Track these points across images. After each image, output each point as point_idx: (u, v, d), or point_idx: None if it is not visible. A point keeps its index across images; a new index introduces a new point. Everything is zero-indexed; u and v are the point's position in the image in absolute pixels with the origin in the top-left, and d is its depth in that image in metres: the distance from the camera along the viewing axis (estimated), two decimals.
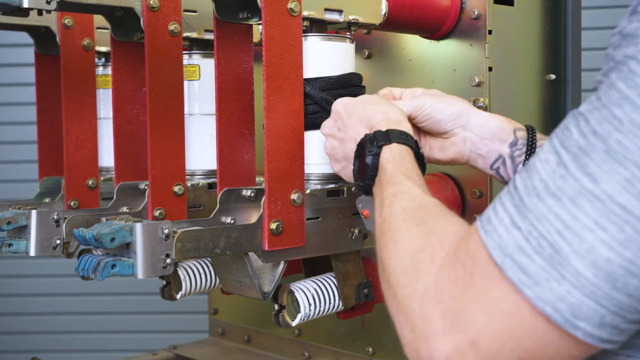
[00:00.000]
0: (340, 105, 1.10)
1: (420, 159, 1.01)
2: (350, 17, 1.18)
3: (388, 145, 0.99)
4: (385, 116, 1.05)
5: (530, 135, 1.14)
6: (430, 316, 0.70)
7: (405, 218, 0.84)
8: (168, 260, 0.97)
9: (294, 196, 1.09)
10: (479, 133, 1.16)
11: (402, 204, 0.87)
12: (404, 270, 0.77)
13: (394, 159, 0.97)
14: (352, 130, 1.06)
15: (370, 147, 0.99)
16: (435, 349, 0.69)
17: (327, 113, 1.14)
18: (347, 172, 1.09)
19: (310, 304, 1.21)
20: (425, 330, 0.71)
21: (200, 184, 1.34)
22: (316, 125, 1.14)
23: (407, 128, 1.04)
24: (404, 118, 1.07)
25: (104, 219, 1.01)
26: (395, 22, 1.30)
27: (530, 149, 1.14)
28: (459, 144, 1.17)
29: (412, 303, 0.73)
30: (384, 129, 1.01)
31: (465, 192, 1.39)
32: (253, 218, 1.09)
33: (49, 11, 1.03)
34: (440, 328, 0.69)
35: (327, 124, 1.12)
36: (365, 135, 1.02)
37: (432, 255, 0.74)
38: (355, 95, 1.17)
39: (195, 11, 1.33)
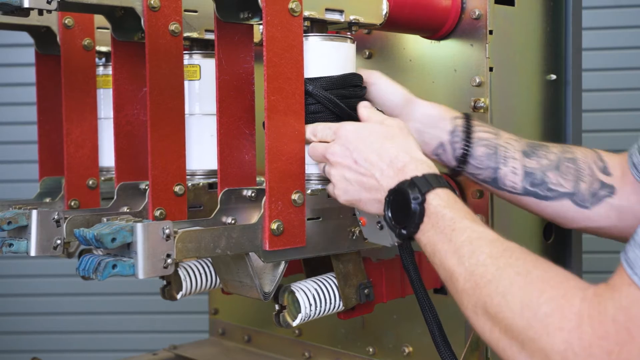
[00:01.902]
0: (352, 133, 1.07)
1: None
2: (351, 17, 1.18)
3: (433, 191, 0.97)
4: (410, 156, 1.03)
5: (467, 124, 1.20)
6: None
7: (500, 267, 0.85)
8: (169, 261, 0.97)
9: (294, 196, 1.09)
10: (423, 122, 1.21)
11: (486, 251, 0.88)
12: (527, 324, 0.79)
13: (449, 204, 0.96)
14: (374, 167, 1.04)
15: (413, 194, 0.97)
16: None
17: (329, 112, 1.13)
18: (368, 207, 1.07)
19: (310, 304, 1.21)
20: None
21: (201, 184, 1.34)
22: None
23: (431, 164, 1.04)
24: (423, 153, 1.06)
25: (104, 219, 1.01)
26: (396, 22, 1.30)
27: (467, 137, 1.20)
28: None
29: (553, 356, 0.75)
30: (417, 172, 1.00)
31: (466, 192, 1.39)
32: (254, 218, 1.09)
33: (49, 11, 1.03)
34: None
35: (335, 151, 1.07)
36: (403, 183, 1.00)
37: (561, 311, 0.77)
38: (356, 95, 1.17)
39: (195, 11, 1.33)
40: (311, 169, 1.16)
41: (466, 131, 1.20)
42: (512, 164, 1.19)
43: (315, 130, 1.11)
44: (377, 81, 1.22)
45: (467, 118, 1.22)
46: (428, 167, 1.02)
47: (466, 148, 1.20)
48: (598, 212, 1.18)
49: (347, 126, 1.08)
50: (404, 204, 0.98)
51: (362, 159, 1.05)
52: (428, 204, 0.96)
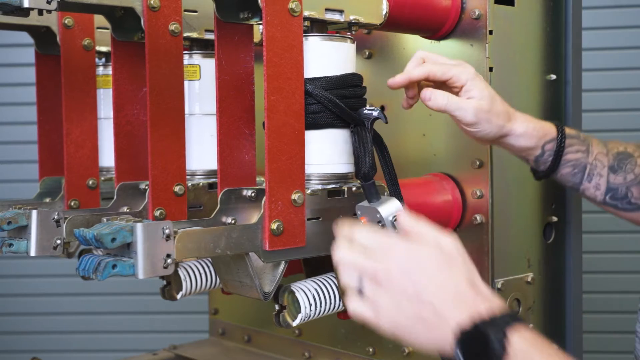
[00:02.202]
0: (409, 256, 0.90)
1: None
2: (351, 17, 1.18)
3: (514, 329, 0.83)
4: (475, 290, 0.90)
5: (558, 149, 1.24)
6: None
7: None
8: (169, 261, 0.97)
9: (294, 196, 1.09)
10: (513, 143, 1.25)
11: None
12: None
13: (533, 344, 0.83)
14: (436, 299, 0.88)
15: (494, 333, 0.83)
16: None
17: (329, 112, 1.14)
18: (420, 341, 0.89)
19: (310, 304, 1.21)
20: None
21: (201, 184, 1.34)
22: (317, 125, 1.14)
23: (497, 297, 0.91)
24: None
25: (104, 219, 1.01)
26: (396, 22, 1.30)
27: (555, 162, 1.25)
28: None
29: None
30: (490, 308, 0.86)
31: (466, 192, 1.39)
32: (254, 218, 1.09)
33: (49, 11, 1.03)
34: None
35: (393, 272, 0.89)
36: (478, 319, 0.85)
37: None
38: (356, 95, 1.17)
39: (195, 11, 1.33)
40: (311, 169, 1.16)
41: (556, 157, 1.24)
42: (597, 181, 1.24)
43: (354, 235, 0.94)
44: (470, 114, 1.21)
45: (561, 140, 1.23)
46: (499, 302, 0.89)
47: (550, 172, 1.28)
48: None
49: (402, 245, 0.91)
50: (482, 344, 0.83)
51: (423, 287, 0.88)
52: (510, 344, 0.82)
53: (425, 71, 1.19)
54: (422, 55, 1.22)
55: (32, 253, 1.17)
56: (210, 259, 1.33)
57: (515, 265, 1.42)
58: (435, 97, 1.18)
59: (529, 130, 1.24)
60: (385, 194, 1.19)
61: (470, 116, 1.19)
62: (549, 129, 1.26)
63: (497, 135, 1.23)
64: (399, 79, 1.19)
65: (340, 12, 1.17)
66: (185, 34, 1.30)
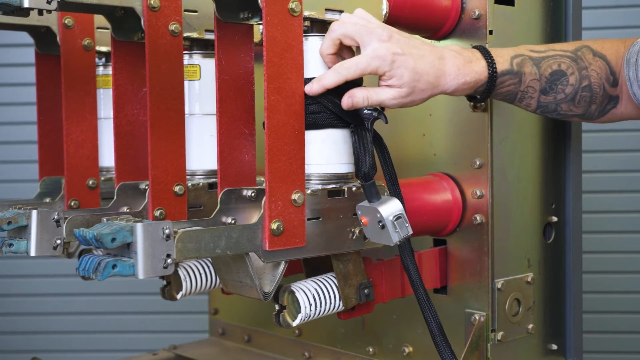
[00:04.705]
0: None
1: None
2: None
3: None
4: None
5: (490, 84, 1.25)
6: None
7: None
8: (169, 261, 0.97)
9: (294, 196, 1.09)
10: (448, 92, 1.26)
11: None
12: None
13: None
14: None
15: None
16: None
17: (329, 112, 1.13)
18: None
19: (310, 304, 1.21)
20: None
21: (201, 184, 1.34)
22: (317, 125, 1.14)
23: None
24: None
25: (104, 219, 1.01)
26: (396, 22, 1.30)
27: (487, 94, 1.26)
28: None
29: None
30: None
31: (466, 192, 1.39)
32: (254, 218, 1.09)
33: (49, 11, 1.03)
34: None
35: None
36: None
37: None
38: None
39: (195, 11, 1.33)
40: (311, 169, 1.16)
41: (486, 96, 1.25)
42: (527, 102, 1.28)
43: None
44: None
45: (491, 84, 1.23)
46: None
47: (482, 101, 1.33)
48: (602, 119, 1.33)
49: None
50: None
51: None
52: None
53: (341, 78, 1.12)
54: (337, 36, 1.13)
55: (32, 253, 1.17)
56: (210, 259, 1.33)
57: (515, 265, 1.42)
58: (354, 100, 1.13)
59: (460, 87, 1.21)
60: (386, 194, 1.19)
61: (393, 105, 1.17)
62: (480, 75, 1.22)
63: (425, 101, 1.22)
64: (316, 88, 1.12)
65: (340, 12, 1.17)
66: (185, 34, 1.30)
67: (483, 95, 1.25)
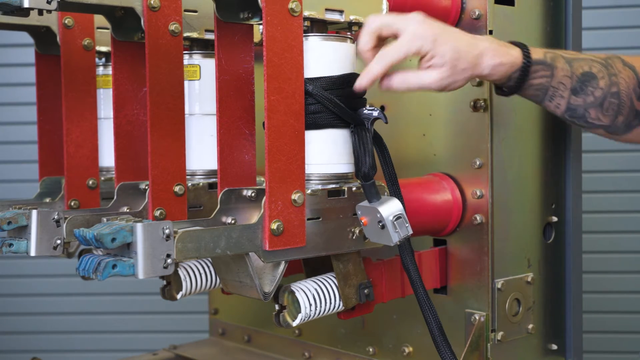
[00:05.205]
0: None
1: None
2: (351, 17, 1.18)
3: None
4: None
5: (523, 74, 1.24)
6: None
7: None
8: (169, 261, 0.97)
9: (294, 196, 1.09)
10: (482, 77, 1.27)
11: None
12: None
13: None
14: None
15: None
16: None
17: (329, 112, 1.13)
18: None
19: (310, 304, 1.21)
20: None
21: (201, 184, 1.34)
22: (317, 125, 1.14)
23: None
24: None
25: (104, 219, 1.01)
26: None
27: (519, 85, 1.25)
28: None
29: None
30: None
31: (466, 192, 1.39)
32: (254, 218, 1.09)
33: (49, 11, 1.03)
34: None
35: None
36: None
37: None
38: (356, 95, 1.17)
39: (195, 11, 1.33)
40: (311, 168, 1.16)
41: (519, 84, 1.24)
42: (557, 101, 1.26)
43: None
44: None
45: (526, 69, 1.23)
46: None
47: (513, 93, 1.28)
48: (627, 137, 1.33)
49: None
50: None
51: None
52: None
53: (387, 65, 1.14)
54: (375, 28, 1.16)
55: (32, 253, 1.17)
56: (210, 259, 1.33)
57: (515, 265, 1.42)
58: (395, 85, 1.15)
59: (496, 69, 1.21)
60: (385, 194, 1.19)
61: (436, 87, 1.17)
62: (516, 59, 1.23)
63: (464, 84, 1.22)
64: (365, 82, 1.15)
65: (340, 12, 1.17)
66: (185, 34, 1.30)
67: (516, 83, 1.23)
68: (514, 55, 1.22)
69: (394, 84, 1.16)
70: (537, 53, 1.24)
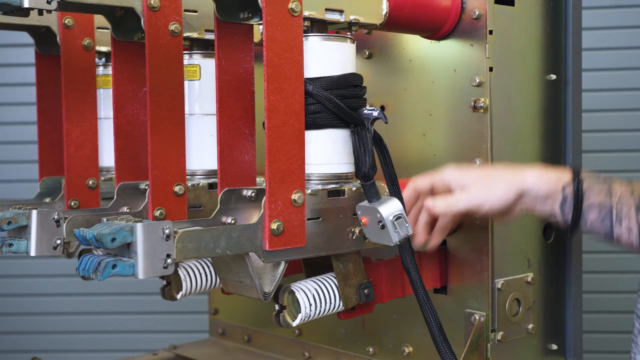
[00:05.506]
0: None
1: None
2: (351, 17, 1.18)
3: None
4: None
5: (577, 192, 1.19)
6: None
7: None
8: (169, 261, 0.97)
9: (294, 196, 1.09)
10: (533, 200, 1.21)
11: None
12: None
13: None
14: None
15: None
16: None
17: (329, 112, 1.13)
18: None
19: (310, 304, 1.21)
20: None
21: (201, 184, 1.34)
22: (317, 125, 1.14)
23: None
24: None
25: (104, 219, 1.01)
26: (396, 22, 1.30)
27: (578, 207, 1.19)
28: (515, 212, 1.24)
29: None
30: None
31: None
32: (254, 218, 1.09)
33: (49, 11, 1.03)
34: None
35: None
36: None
37: None
38: (356, 95, 1.17)
39: (195, 11, 1.33)
40: (311, 168, 1.16)
41: (576, 201, 1.18)
42: (627, 223, 1.16)
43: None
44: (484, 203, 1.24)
45: (578, 184, 1.19)
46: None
47: (577, 219, 1.19)
48: None
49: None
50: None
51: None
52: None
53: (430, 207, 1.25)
54: (414, 188, 1.29)
55: (32, 253, 1.17)
56: (210, 259, 1.33)
57: (515, 265, 1.42)
58: (436, 205, 1.22)
59: (542, 179, 1.20)
60: (385, 194, 1.19)
61: (472, 205, 1.20)
62: (563, 173, 1.21)
63: (509, 201, 1.20)
64: (419, 239, 1.29)
65: (340, 12, 1.17)
66: (185, 34, 1.30)
67: (574, 203, 1.18)
68: (559, 171, 1.21)
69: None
70: (586, 176, 1.21)
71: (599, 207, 1.18)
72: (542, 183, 1.20)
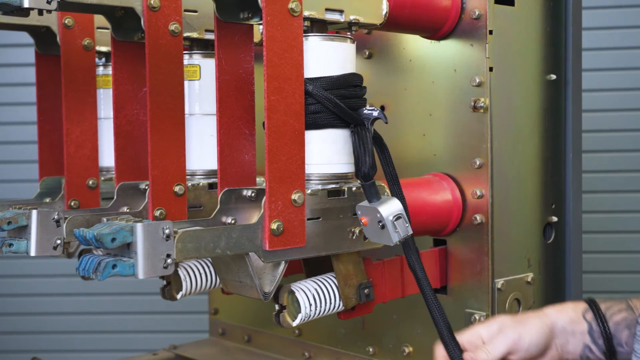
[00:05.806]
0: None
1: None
2: (351, 17, 1.18)
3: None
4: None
5: (597, 313, 1.19)
6: None
7: None
8: (169, 261, 0.97)
9: (294, 196, 1.09)
10: (563, 336, 1.20)
11: None
12: None
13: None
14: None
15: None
16: None
17: (329, 112, 1.13)
18: None
19: (310, 304, 1.21)
20: None
21: (201, 184, 1.34)
22: (317, 125, 1.14)
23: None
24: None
25: (104, 219, 1.01)
26: (396, 22, 1.30)
27: (605, 329, 1.19)
28: (551, 353, 1.22)
29: None
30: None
31: (466, 192, 1.39)
32: (254, 218, 1.09)
33: (49, 11, 1.03)
34: None
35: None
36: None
37: None
38: (356, 95, 1.17)
39: (195, 11, 1.33)
40: (311, 168, 1.16)
41: (601, 322, 1.20)
42: None
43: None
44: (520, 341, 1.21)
45: (593, 306, 1.20)
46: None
47: (610, 341, 1.20)
48: None
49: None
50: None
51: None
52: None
53: None
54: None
55: (32, 253, 1.17)
56: (210, 259, 1.33)
57: (515, 265, 1.42)
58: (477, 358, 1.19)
59: (561, 311, 1.21)
60: (385, 194, 1.19)
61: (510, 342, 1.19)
62: (578, 303, 1.22)
63: (544, 335, 1.20)
64: None
65: (340, 12, 1.17)
66: (185, 34, 1.29)
67: (601, 324, 1.19)
68: (577, 301, 1.22)
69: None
70: (599, 299, 1.22)
71: (627, 324, 1.19)
72: (562, 314, 1.20)
